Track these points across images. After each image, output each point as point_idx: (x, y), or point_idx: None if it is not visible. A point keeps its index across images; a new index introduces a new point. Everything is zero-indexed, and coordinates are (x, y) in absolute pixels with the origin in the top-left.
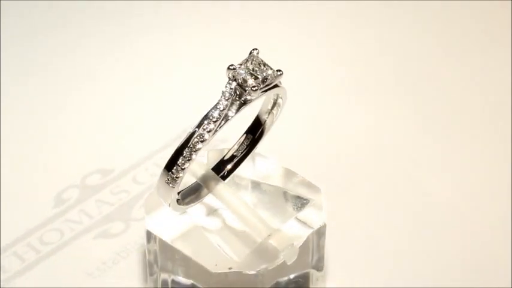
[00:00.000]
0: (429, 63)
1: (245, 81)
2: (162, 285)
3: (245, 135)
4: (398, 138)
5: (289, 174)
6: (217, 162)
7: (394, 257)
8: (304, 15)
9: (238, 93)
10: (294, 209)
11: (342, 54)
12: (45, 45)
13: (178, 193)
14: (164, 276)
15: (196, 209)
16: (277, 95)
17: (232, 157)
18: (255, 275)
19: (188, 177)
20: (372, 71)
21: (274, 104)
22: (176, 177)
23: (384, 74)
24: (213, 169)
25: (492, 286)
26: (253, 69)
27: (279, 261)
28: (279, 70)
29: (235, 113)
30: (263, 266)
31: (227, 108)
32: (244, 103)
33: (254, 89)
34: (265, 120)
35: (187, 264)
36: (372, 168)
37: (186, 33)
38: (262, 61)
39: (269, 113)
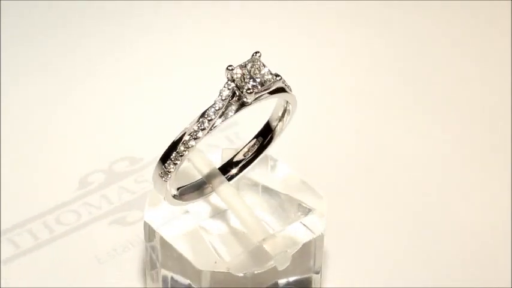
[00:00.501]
0: (429, 63)
1: (242, 83)
2: (162, 281)
3: (255, 139)
4: (399, 138)
5: (297, 180)
6: (225, 162)
7: (394, 257)
8: (304, 15)
9: (237, 94)
10: (296, 216)
11: (342, 54)
12: (45, 45)
13: (178, 189)
14: (165, 272)
15: (199, 208)
16: (287, 102)
17: (241, 159)
18: (245, 277)
19: (194, 173)
20: (372, 71)
21: (285, 111)
22: (168, 171)
23: (384, 74)
24: (220, 168)
25: (492, 286)
26: (253, 72)
27: (270, 266)
28: (278, 75)
29: (234, 113)
30: (252, 269)
31: (224, 108)
32: (243, 105)
33: (249, 91)
34: (275, 127)
35: (183, 262)
36: (371, 168)
37: (186, 33)
38: (263, 65)
39: (279, 120)
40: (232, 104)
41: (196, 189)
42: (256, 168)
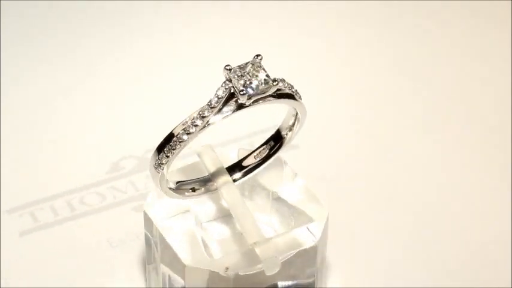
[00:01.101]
0: (429, 63)
1: (238, 84)
2: (162, 279)
3: (265, 145)
4: (399, 138)
5: (304, 189)
6: (233, 163)
7: (394, 257)
8: (304, 15)
9: (236, 94)
10: (298, 222)
11: (342, 54)
12: (45, 45)
13: (178, 182)
14: (164, 269)
15: (204, 207)
16: (296, 110)
17: (250, 163)
18: (227, 278)
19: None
20: (372, 71)
21: (295, 120)
22: (161, 163)
23: (384, 74)
24: (227, 168)
25: (492, 286)
26: (250, 75)
27: (257, 269)
28: (275, 80)
29: (232, 112)
30: (238, 271)
31: (220, 106)
32: (241, 106)
33: (242, 93)
34: (285, 135)
35: (176, 258)
36: (371, 168)
37: (186, 33)
38: (263, 68)
39: (289, 129)
40: (231, 104)
41: (201, 185)
42: (269, 173)
